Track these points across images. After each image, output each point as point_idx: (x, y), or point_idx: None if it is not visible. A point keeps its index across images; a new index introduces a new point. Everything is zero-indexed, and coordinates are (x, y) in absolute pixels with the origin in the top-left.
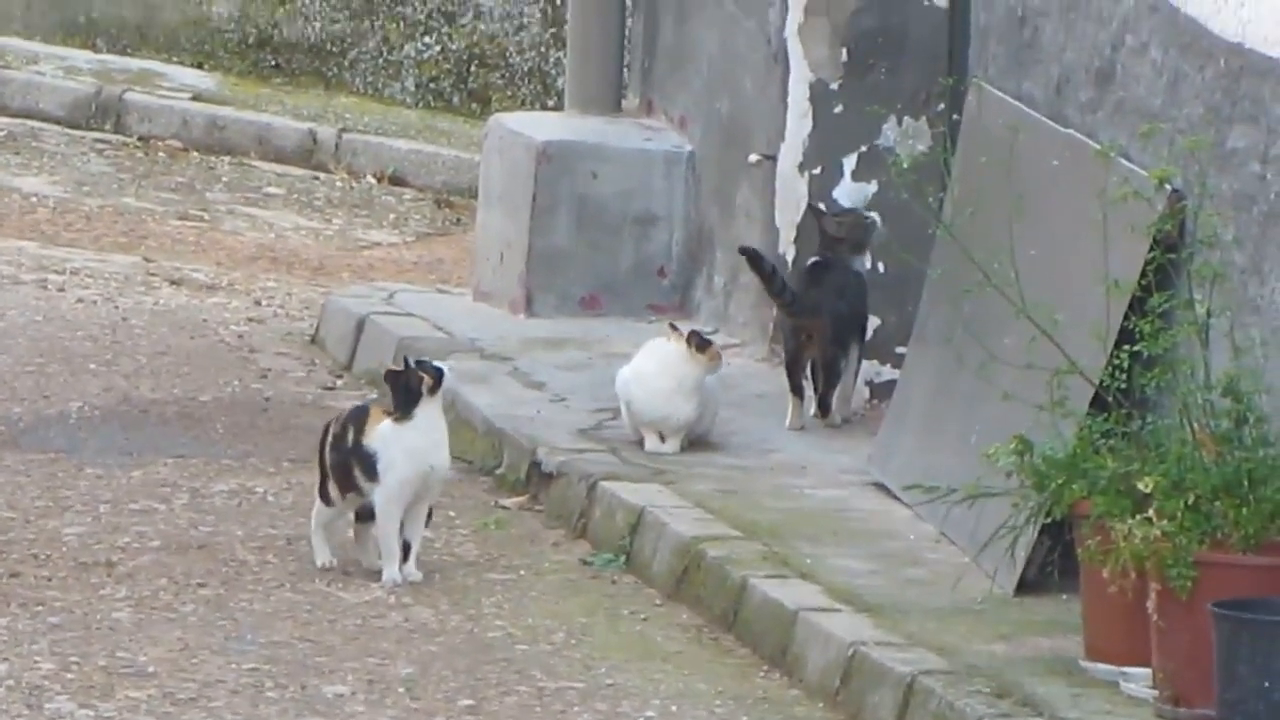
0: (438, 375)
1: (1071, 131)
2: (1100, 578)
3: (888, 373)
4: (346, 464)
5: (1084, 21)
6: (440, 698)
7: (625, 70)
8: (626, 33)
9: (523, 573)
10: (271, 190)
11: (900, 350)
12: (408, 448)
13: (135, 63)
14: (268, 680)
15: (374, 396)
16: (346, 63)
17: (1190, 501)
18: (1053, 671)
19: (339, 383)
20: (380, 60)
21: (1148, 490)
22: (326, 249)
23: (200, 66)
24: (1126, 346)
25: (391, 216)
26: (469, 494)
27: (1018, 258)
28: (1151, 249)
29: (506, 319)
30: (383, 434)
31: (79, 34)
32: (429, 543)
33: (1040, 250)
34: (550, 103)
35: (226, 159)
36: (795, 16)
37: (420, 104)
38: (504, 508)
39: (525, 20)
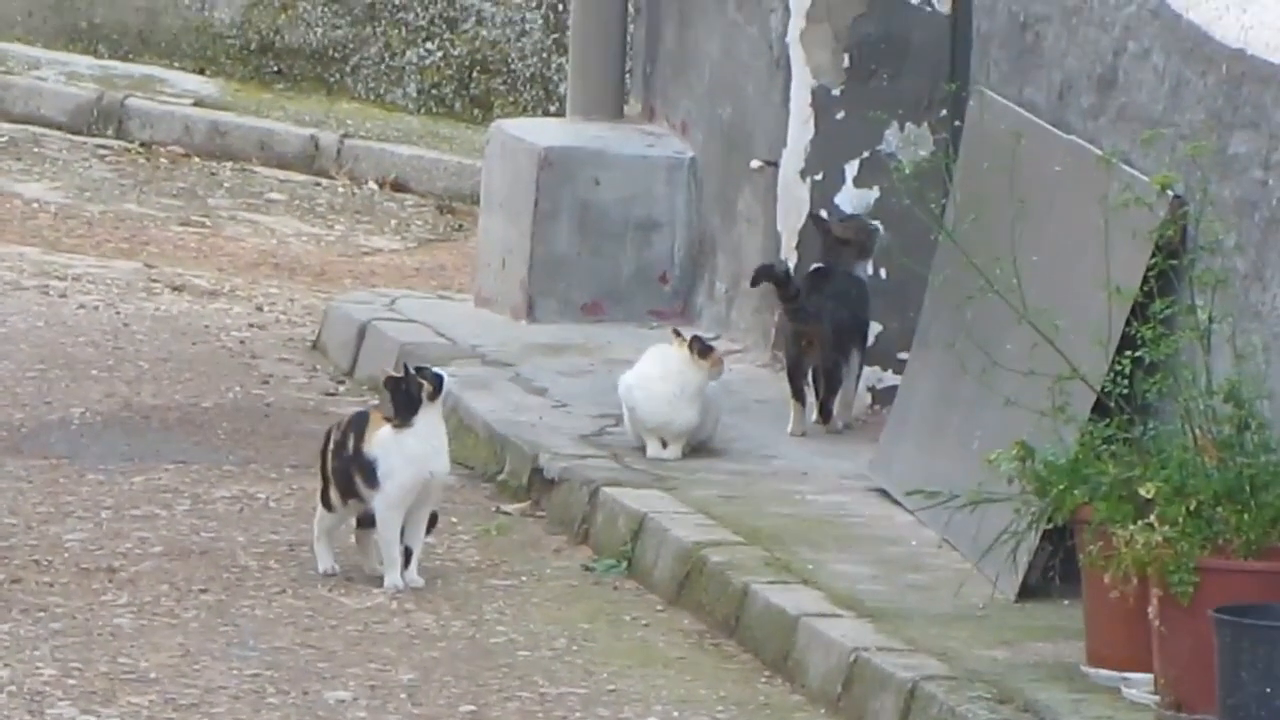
0: (437, 382)
1: (1073, 137)
2: (1102, 583)
3: (889, 378)
4: (348, 470)
5: (1086, 27)
6: (442, 703)
7: (627, 76)
8: (628, 39)
9: (524, 578)
10: (273, 196)
11: (902, 356)
12: (408, 454)
13: (137, 68)
14: (269, 686)
15: (375, 402)
16: (348, 68)
17: (1192, 507)
18: (1054, 677)
19: (341, 389)
20: (382, 66)
21: (1149, 496)
22: (328, 255)
23: (202, 72)
24: (1128, 352)
25: (393, 222)
26: (471, 499)
27: (1020, 263)
28: (1153, 255)
29: (508, 325)
30: (383, 440)
31: (81, 40)
32: (430, 548)
33: (1042, 256)
34: (552, 109)
35: (228, 165)
36: (797, 23)
37: (422, 110)
38: (506, 513)
39: (527, 26)
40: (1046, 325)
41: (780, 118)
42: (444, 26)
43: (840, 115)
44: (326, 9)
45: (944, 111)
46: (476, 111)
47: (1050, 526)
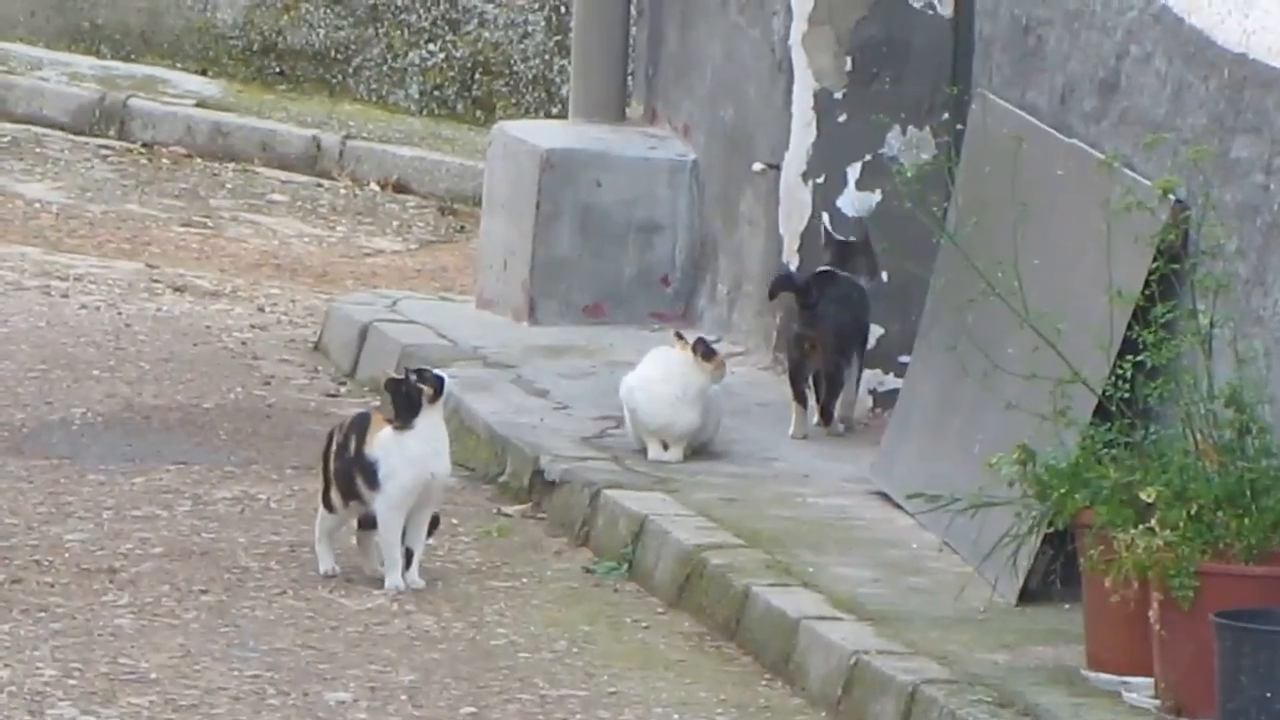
0: (438, 384)
1: (1075, 141)
2: (1103, 587)
3: (891, 381)
4: (349, 471)
5: (1088, 31)
6: (443, 705)
7: (629, 78)
8: (631, 41)
9: (525, 580)
10: (275, 197)
11: (903, 359)
12: (409, 456)
13: (139, 69)
14: (270, 687)
15: (376, 403)
16: (351, 70)
17: (1193, 512)
18: (1055, 681)
19: (342, 390)
20: (384, 67)
21: (1150, 500)
22: (330, 256)
23: (204, 73)
24: (1129, 356)
25: (395, 224)
26: (472, 501)
27: (1021, 267)
28: (1155, 259)
29: (510, 327)
30: (384, 442)
31: (83, 40)
32: (431, 550)
33: (1044, 260)
34: (554, 110)
35: (230, 166)
36: (799, 25)
37: (424, 111)
38: (506, 515)
39: (529, 28)
40: (1048, 329)
41: (782, 120)
42: (446, 28)
43: (842, 118)
44: (329, 10)
45: (946, 115)
46: (478, 113)
47: (1051, 530)
